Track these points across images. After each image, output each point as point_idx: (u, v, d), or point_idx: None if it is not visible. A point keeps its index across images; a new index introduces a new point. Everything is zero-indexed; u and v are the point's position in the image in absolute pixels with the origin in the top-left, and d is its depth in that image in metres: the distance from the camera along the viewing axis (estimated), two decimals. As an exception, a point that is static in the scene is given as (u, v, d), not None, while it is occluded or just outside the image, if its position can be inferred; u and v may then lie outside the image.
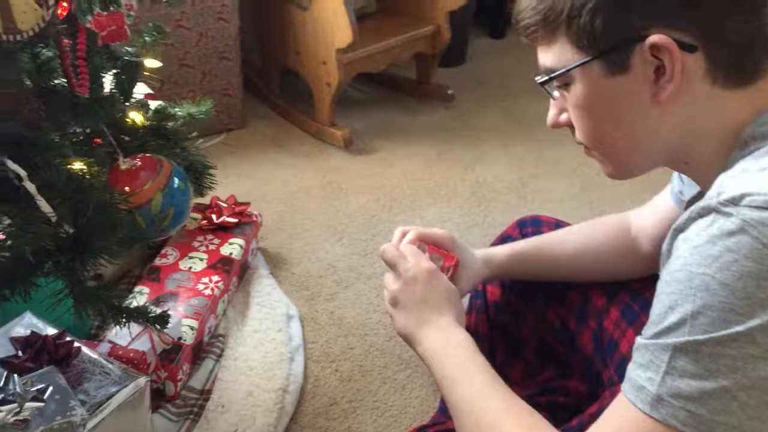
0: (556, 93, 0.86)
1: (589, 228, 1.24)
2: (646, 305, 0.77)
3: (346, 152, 2.45)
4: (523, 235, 1.32)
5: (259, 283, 1.79)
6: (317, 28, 2.34)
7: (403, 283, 1.05)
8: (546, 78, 0.83)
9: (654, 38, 0.73)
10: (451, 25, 2.65)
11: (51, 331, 1.26)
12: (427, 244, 1.14)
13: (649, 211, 1.17)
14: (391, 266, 1.08)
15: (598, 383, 1.17)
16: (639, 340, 0.73)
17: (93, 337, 1.46)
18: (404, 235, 1.16)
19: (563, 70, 0.80)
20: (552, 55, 0.81)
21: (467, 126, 2.66)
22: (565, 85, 0.83)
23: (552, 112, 0.89)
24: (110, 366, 1.22)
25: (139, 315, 1.12)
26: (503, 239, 1.36)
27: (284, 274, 1.87)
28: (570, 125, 0.87)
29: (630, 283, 1.18)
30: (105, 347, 1.35)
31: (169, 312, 1.22)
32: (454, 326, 1.01)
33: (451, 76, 2.98)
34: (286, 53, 2.54)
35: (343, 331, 1.68)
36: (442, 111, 2.77)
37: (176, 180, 1.14)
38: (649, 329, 0.72)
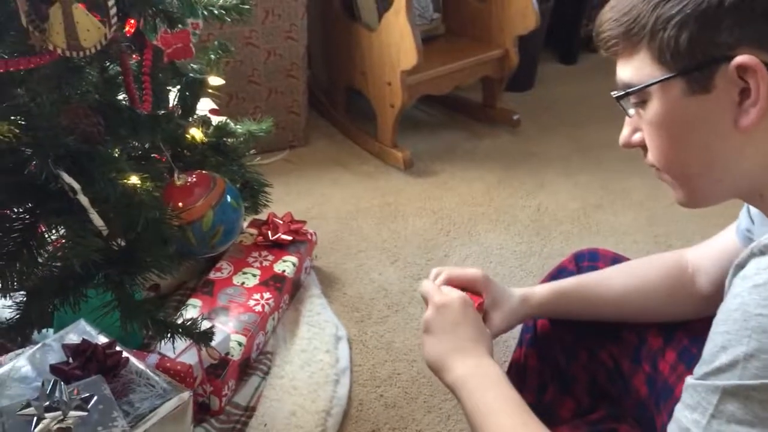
0: (631, 110, 0.82)
1: (641, 266, 1.18)
2: (706, 349, 0.73)
3: (407, 174, 2.44)
4: (579, 269, 1.28)
5: (310, 302, 1.79)
6: (383, 49, 2.35)
7: (435, 310, 1.03)
8: (623, 93, 0.80)
9: (742, 58, 0.69)
10: (520, 50, 2.62)
11: (102, 340, 1.28)
12: (456, 287, 1.12)
13: (709, 248, 1.11)
14: (425, 297, 1.06)
15: (652, 428, 1.11)
16: (688, 379, 0.69)
17: (144, 347, 1.48)
18: (437, 275, 1.14)
19: (642, 85, 0.76)
20: (631, 70, 0.78)
21: (531, 152, 2.62)
22: (642, 102, 0.79)
23: (625, 131, 0.85)
24: (156, 378, 1.24)
25: (184, 330, 1.13)
26: (559, 271, 1.32)
27: (336, 294, 1.86)
28: (643, 145, 0.83)
29: (689, 324, 1.12)
30: (154, 359, 1.37)
31: (220, 327, 1.22)
32: (487, 357, 0.98)
33: (518, 100, 2.94)
34: (351, 73, 2.56)
35: (390, 355, 1.66)
36: (507, 136, 2.73)
37: (228, 197, 1.15)
38: (699, 368, 0.68)
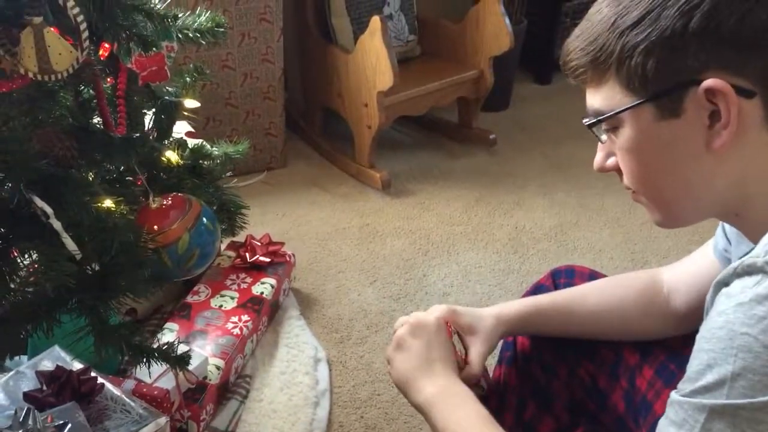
0: (603, 136, 0.83)
1: (616, 285, 1.19)
2: (684, 364, 0.73)
3: (384, 194, 2.45)
4: (556, 286, 1.29)
5: (288, 324, 1.78)
6: (359, 71, 2.36)
7: (409, 328, 1.03)
8: (594, 120, 0.80)
9: (710, 82, 0.69)
10: (495, 70, 2.65)
11: (77, 366, 1.26)
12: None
13: (685, 267, 1.12)
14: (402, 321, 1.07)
15: (631, 444, 1.12)
16: (674, 395, 0.70)
17: (121, 373, 1.46)
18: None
19: (612, 113, 0.77)
20: (601, 97, 0.79)
21: (508, 172, 2.64)
22: (614, 129, 0.79)
23: (599, 156, 0.86)
24: (132, 404, 1.22)
25: (160, 355, 1.11)
26: (536, 289, 1.33)
27: (315, 315, 1.86)
28: (617, 169, 0.84)
29: (665, 341, 1.13)
30: (130, 384, 1.35)
31: (197, 350, 1.21)
32: (455, 377, 0.99)
33: (494, 120, 2.97)
34: (328, 94, 2.57)
35: (371, 376, 1.66)
36: (484, 156, 2.75)
37: (204, 220, 1.15)
38: (685, 385, 0.68)
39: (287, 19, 2.39)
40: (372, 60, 2.29)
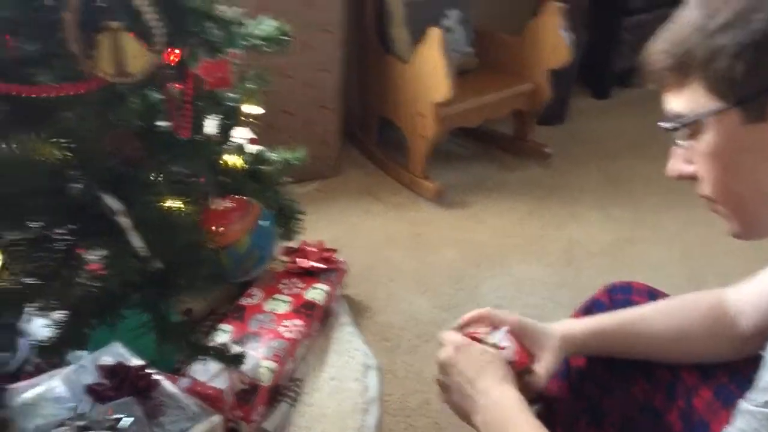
0: (682, 141, 0.81)
1: (682, 307, 1.16)
2: (745, 386, 0.72)
3: (437, 205, 2.45)
4: (613, 302, 1.27)
5: (340, 331, 1.79)
6: (416, 82, 2.38)
7: (455, 349, 1.02)
8: (675, 125, 0.78)
9: None
10: (552, 84, 2.63)
11: (136, 362, 1.30)
12: (488, 324, 1.11)
13: (752, 288, 1.09)
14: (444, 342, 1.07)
15: (685, 463, 1.09)
16: (744, 404, 0.69)
17: (177, 371, 1.49)
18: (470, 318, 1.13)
19: (695, 117, 0.75)
20: (683, 101, 0.77)
21: (563, 185, 2.62)
22: (695, 133, 0.77)
23: (674, 162, 0.83)
24: (187, 401, 1.25)
25: (216, 354, 1.14)
26: (592, 304, 1.31)
27: (366, 323, 1.87)
28: (694, 177, 0.82)
29: (727, 362, 1.10)
30: (185, 382, 1.38)
31: (250, 352, 1.23)
32: (507, 387, 0.98)
33: (550, 134, 2.95)
34: (385, 104, 2.59)
35: (421, 385, 1.66)
36: (538, 169, 2.73)
37: (263, 223, 1.17)
38: (758, 396, 0.67)
39: (347, 28, 2.42)
40: (429, 71, 2.30)
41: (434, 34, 2.25)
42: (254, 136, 1.59)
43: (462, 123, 2.55)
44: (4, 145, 0.90)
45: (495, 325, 1.11)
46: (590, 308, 1.26)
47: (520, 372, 1.06)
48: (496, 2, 2.84)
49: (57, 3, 0.87)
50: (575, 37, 2.69)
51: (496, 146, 2.87)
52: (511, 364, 1.06)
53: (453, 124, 2.51)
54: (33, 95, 0.89)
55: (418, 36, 2.44)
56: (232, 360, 1.17)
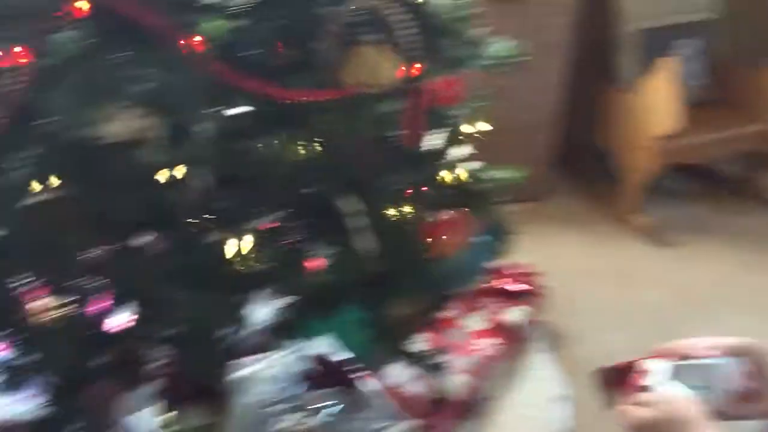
0: None
1: None
2: None
3: (647, 242, 2.34)
4: None
5: (535, 356, 1.76)
6: (640, 112, 2.29)
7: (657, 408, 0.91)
8: None
9: None
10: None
11: (343, 355, 1.37)
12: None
13: None
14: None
15: None
16: None
17: (376, 370, 1.55)
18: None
19: None
20: None
21: (790, 238, 2.39)
22: None
23: None
24: (387, 402, 1.29)
25: (418, 360, 1.17)
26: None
27: (562, 352, 1.82)
28: None
29: None
30: (384, 382, 1.43)
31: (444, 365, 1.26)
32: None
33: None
34: (601, 133, 2.52)
35: (610, 423, 1.59)
36: (762, 217, 2.52)
37: (481, 240, 1.19)
38: None
39: (569, 53, 2.39)
40: (655, 102, 2.21)
41: (667, 64, 2.15)
42: (472, 153, 1.62)
43: (684, 159, 2.41)
44: (259, 143, 0.99)
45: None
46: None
47: None
48: (742, 34, 2.64)
49: (326, 16, 0.94)
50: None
51: (718, 186, 2.68)
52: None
53: (674, 160, 2.38)
54: (288, 99, 0.97)
55: (646, 65, 2.34)
56: (432, 368, 1.20)
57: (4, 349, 1.07)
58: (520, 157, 2.43)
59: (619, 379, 0.90)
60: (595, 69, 2.51)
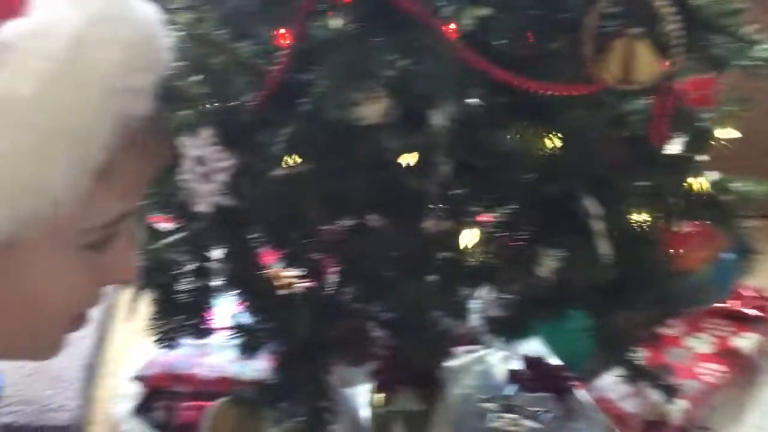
0: None
1: None
2: None
3: None
4: None
5: (764, 390, 1.60)
6: None
7: None
8: None
9: None
10: None
11: (553, 361, 1.32)
12: None
13: None
14: None
15: None
16: None
17: (588, 381, 1.48)
18: None
19: None
20: None
21: None
22: None
23: None
24: (598, 415, 1.23)
25: (647, 377, 1.09)
26: None
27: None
28: None
29: None
30: (596, 394, 1.36)
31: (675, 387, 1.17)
32: None
33: None
34: None
35: None
36: None
37: (727, 257, 1.08)
38: None
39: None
40: None
41: None
42: (717, 161, 1.49)
43: None
44: (502, 134, 0.97)
45: None
46: None
47: None
48: None
49: (581, 7, 0.90)
50: None
51: None
52: None
53: None
54: (539, 91, 0.93)
55: None
56: (665, 389, 1.12)
57: (243, 315, 1.15)
58: (764, 168, 2.20)
59: None
60: None
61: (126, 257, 0.52)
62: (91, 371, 1.74)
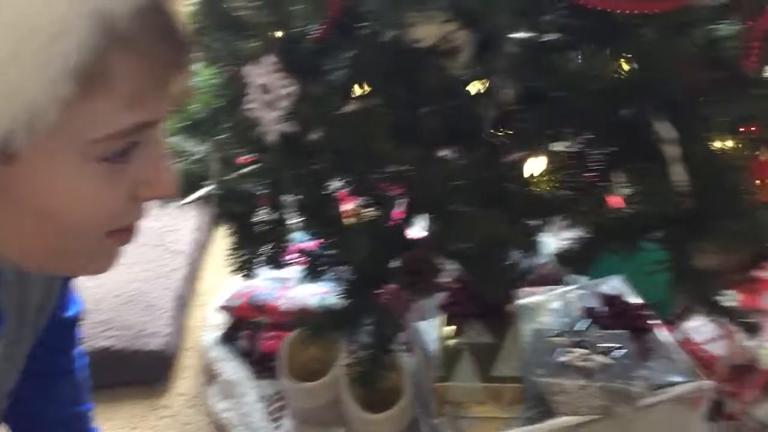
0: None
1: None
2: None
3: None
4: None
5: None
6: None
7: None
8: None
9: None
10: None
11: (635, 300, 1.28)
12: None
13: None
14: None
15: None
16: None
17: (671, 322, 1.43)
18: None
19: None
20: None
21: None
22: None
23: None
24: (678, 356, 1.18)
25: (729, 315, 1.04)
26: None
27: None
28: None
29: None
30: (679, 336, 1.31)
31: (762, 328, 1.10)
32: None
33: None
34: None
35: None
36: None
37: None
38: None
39: None
40: None
41: None
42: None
43: None
44: (578, 57, 0.93)
45: None
46: None
47: None
48: None
49: None
50: None
51: None
52: None
53: None
54: (609, 9, 0.88)
55: None
56: (747, 327, 1.06)
57: (311, 244, 1.18)
58: None
59: None
60: None
61: (156, 169, 0.51)
62: (183, 301, 1.84)
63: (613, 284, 1.32)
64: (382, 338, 1.09)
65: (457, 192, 1.02)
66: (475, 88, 0.96)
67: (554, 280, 1.39)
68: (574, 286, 1.31)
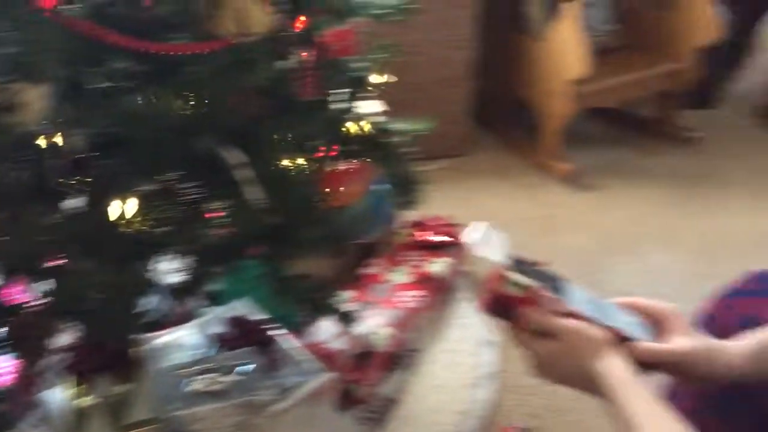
0: None
1: None
2: None
3: (569, 188, 2.38)
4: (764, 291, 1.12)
5: (460, 305, 1.79)
6: (550, 59, 2.32)
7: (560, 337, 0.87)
8: None
9: None
10: (708, 65, 2.47)
11: (260, 317, 1.37)
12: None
13: None
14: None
15: None
16: None
17: (298, 329, 1.55)
18: None
19: None
20: None
21: (707, 174, 2.46)
22: None
23: None
24: (302, 358, 1.30)
25: (327, 309, 1.18)
26: (733, 292, 1.16)
27: (486, 299, 1.85)
28: None
29: None
30: (304, 340, 1.43)
31: (369, 320, 1.27)
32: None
33: (698, 119, 2.77)
34: (516, 83, 2.54)
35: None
36: (681, 155, 2.59)
37: (379, 187, 1.19)
38: None
39: (479, 6, 2.39)
40: (563, 48, 2.24)
41: (570, 9, 2.18)
42: (385, 109, 1.62)
43: (599, 103, 2.46)
44: (138, 98, 0.97)
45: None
46: (730, 296, 1.13)
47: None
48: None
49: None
50: (730, 14, 2.51)
51: (635, 129, 2.74)
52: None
53: (589, 104, 2.42)
54: (162, 52, 0.95)
55: (552, 12, 2.37)
56: (343, 317, 1.20)
57: None
58: (440, 112, 2.43)
59: (503, 305, 0.89)
60: (506, 19, 2.53)
61: None
62: None
63: (239, 307, 1.39)
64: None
65: (52, 248, 1.00)
66: (45, 141, 0.95)
67: (191, 317, 1.41)
68: (204, 318, 1.36)
